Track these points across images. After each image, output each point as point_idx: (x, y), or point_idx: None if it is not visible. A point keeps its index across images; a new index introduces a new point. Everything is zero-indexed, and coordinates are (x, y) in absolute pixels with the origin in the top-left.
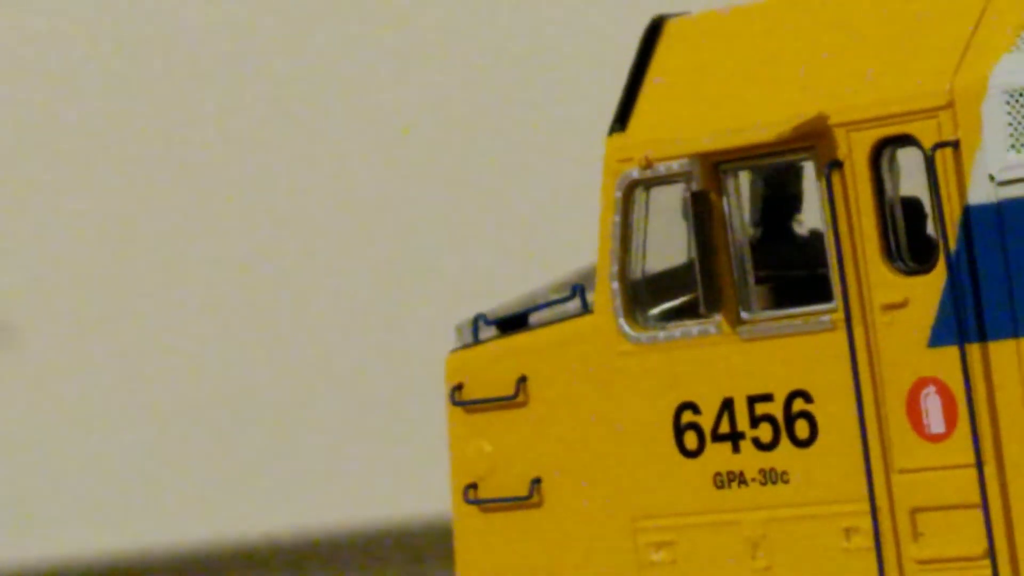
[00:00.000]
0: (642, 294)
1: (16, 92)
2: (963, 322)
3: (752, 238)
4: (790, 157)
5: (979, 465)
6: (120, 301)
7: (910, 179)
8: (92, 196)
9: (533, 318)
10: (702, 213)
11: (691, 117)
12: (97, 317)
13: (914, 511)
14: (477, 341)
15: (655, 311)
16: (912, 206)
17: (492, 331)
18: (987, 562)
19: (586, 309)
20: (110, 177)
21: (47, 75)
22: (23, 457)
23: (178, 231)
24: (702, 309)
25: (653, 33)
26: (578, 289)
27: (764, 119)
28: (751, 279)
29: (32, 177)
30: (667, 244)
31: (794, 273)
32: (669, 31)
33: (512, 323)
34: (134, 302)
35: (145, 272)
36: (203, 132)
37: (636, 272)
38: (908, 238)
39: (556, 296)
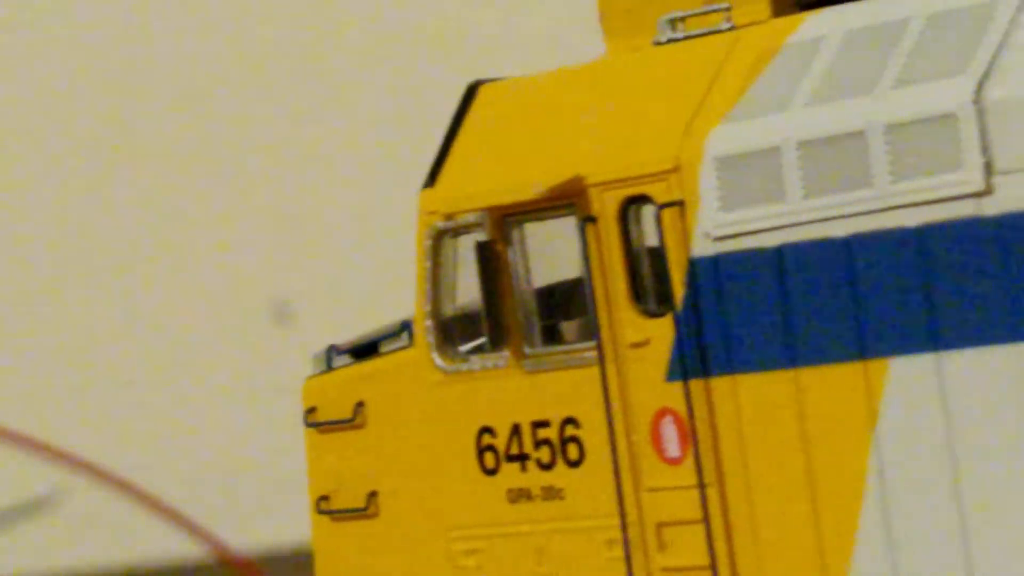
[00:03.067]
0: (452, 330)
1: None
2: (689, 360)
3: (535, 283)
4: (557, 213)
5: (701, 486)
6: None
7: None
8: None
9: (384, 347)
10: (487, 261)
11: (488, 174)
12: None
13: (659, 525)
14: (330, 369)
15: (463, 346)
16: (659, 256)
17: (347, 359)
18: (724, 572)
19: (412, 342)
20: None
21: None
22: None
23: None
24: (487, 345)
25: (468, 97)
26: (407, 324)
27: (540, 178)
28: (534, 319)
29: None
30: (476, 286)
31: (570, 315)
32: (481, 95)
33: (365, 351)
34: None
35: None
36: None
37: (446, 311)
38: (654, 284)
39: (393, 330)
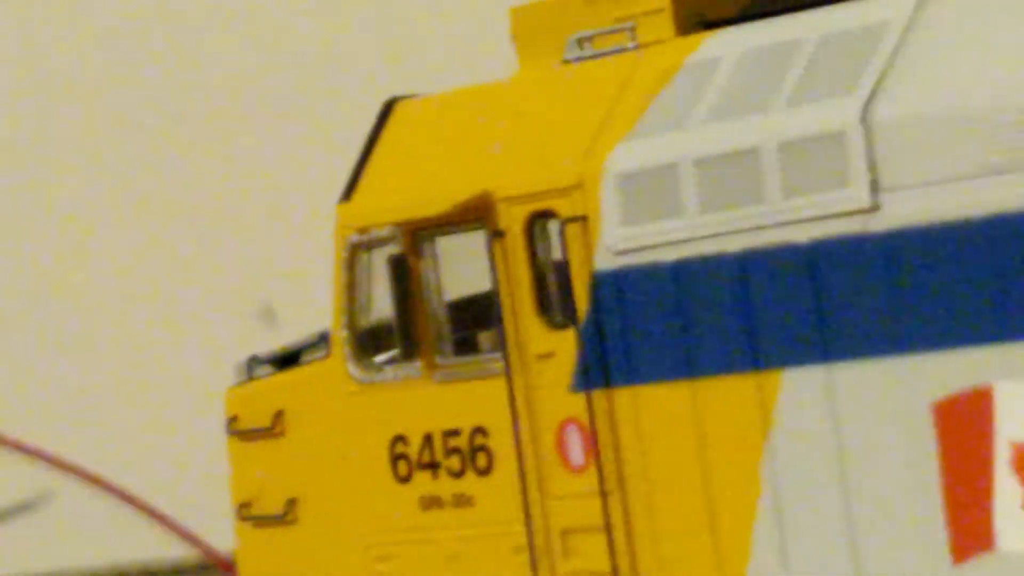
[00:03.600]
0: (367, 341)
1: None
2: (591, 371)
3: (448, 296)
4: (467, 228)
5: (603, 494)
6: None
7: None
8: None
9: (305, 358)
10: (399, 274)
11: (401, 190)
12: None
13: (564, 532)
14: (251, 378)
15: (379, 357)
16: (563, 270)
17: (269, 369)
18: None
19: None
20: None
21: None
22: None
23: None
24: (399, 356)
25: (384, 113)
26: (325, 335)
27: (451, 194)
28: (445, 331)
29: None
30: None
31: (482, 327)
32: (398, 111)
33: (286, 362)
34: None
35: None
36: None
37: (361, 322)
38: (560, 297)
39: (313, 341)
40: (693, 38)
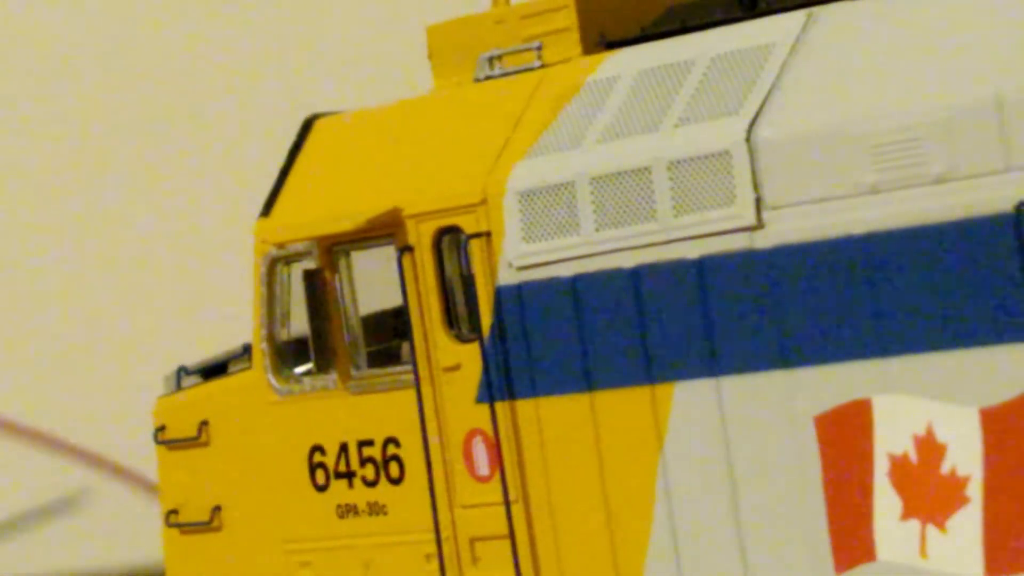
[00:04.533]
0: (287, 353)
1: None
2: (495, 384)
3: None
4: (379, 242)
5: (507, 503)
6: None
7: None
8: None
9: (232, 368)
10: (313, 287)
11: (317, 205)
12: None
13: (472, 540)
14: (179, 388)
15: (298, 368)
16: (469, 284)
17: (197, 379)
18: None
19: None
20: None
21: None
22: None
23: None
24: (313, 368)
25: (304, 131)
26: (248, 347)
27: (364, 209)
28: (359, 343)
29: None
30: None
31: (394, 339)
32: (316, 128)
33: (214, 372)
34: None
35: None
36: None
37: (281, 335)
38: (466, 311)
39: (239, 352)
40: (594, 58)
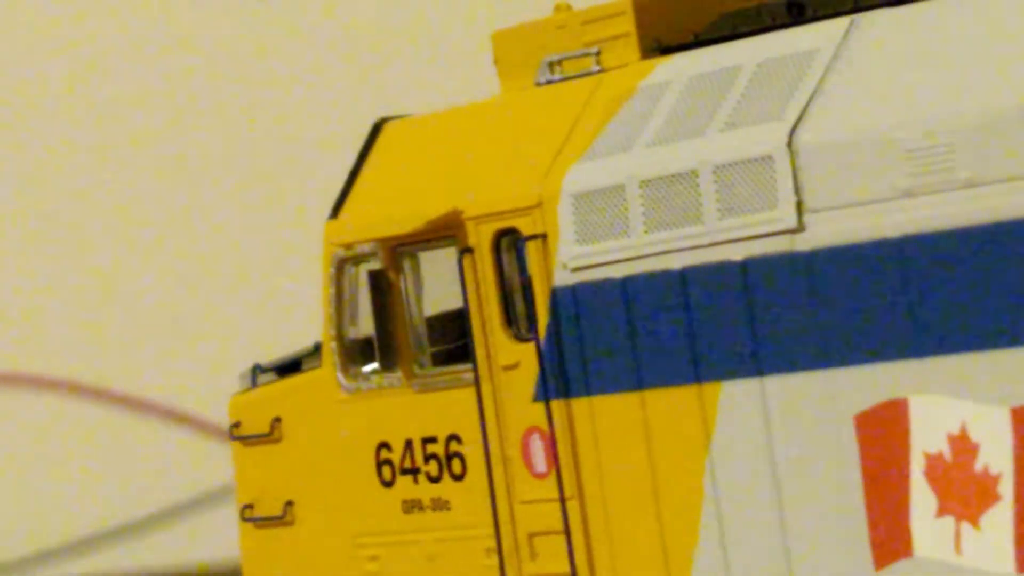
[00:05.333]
0: (355, 352)
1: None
2: (551, 382)
3: (428, 309)
4: (440, 244)
5: (562, 500)
6: None
7: None
8: None
9: (306, 366)
10: (378, 288)
11: (384, 207)
12: None
13: (531, 535)
14: (254, 386)
15: (366, 366)
16: (527, 285)
17: (271, 377)
18: None
19: None
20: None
21: None
22: None
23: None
24: (379, 366)
25: (373, 134)
26: (319, 345)
27: (427, 211)
28: (423, 342)
29: None
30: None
31: (459, 339)
32: (385, 131)
33: (288, 369)
34: None
35: None
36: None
37: (349, 333)
38: (524, 311)
39: (312, 350)
40: (647, 63)
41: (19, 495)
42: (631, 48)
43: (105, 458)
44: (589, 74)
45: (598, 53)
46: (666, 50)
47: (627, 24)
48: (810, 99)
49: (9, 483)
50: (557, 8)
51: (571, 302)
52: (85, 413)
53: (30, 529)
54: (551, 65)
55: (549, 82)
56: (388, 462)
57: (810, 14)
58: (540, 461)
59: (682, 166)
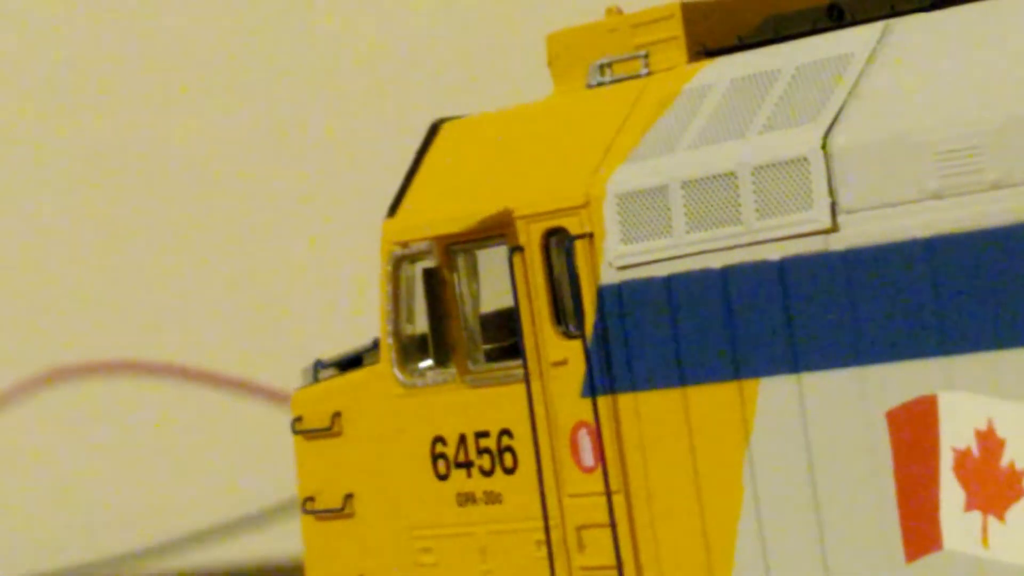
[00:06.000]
0: (411, 348)
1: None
2: (597, 378)
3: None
4: (492, 242)
5: (608, 494)
6: None
7: None
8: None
9: (366, 361)
10: (432, 285)
11: (439, 206)
12: None
13: (579, 528)
14: (316, 381)
15: (422, 362)
16: (575, 283)
17: (333, 372)
18: (629, 570)
19: None
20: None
21: None
22: None
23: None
24: (433, 362)
25: (430, 134)
26: (377, 341)
27: (480, 210)
28: (476, 339)
29: None
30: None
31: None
32: (442, 132)
33: (349, 365)
34: None
35: None
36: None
37: (406, 330)
38: (572, 308)
39: (371, 346)
40: (692, 66)
41: (142, 485)
42: (679, 51)
43: (232, 447)
44: (637, 77)
45: (646, 56)
46: (711, 53)
47: (675, 28)
48: (844, 102)
49: (131, 473)
50: (608, 12)
51: (617, 300)
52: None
53: (153, 519)
54: (601, 68)
55: (599, 84)
56: (443, 456)
57: (849, 18)
58: (588, 455)
59: (722, 167)
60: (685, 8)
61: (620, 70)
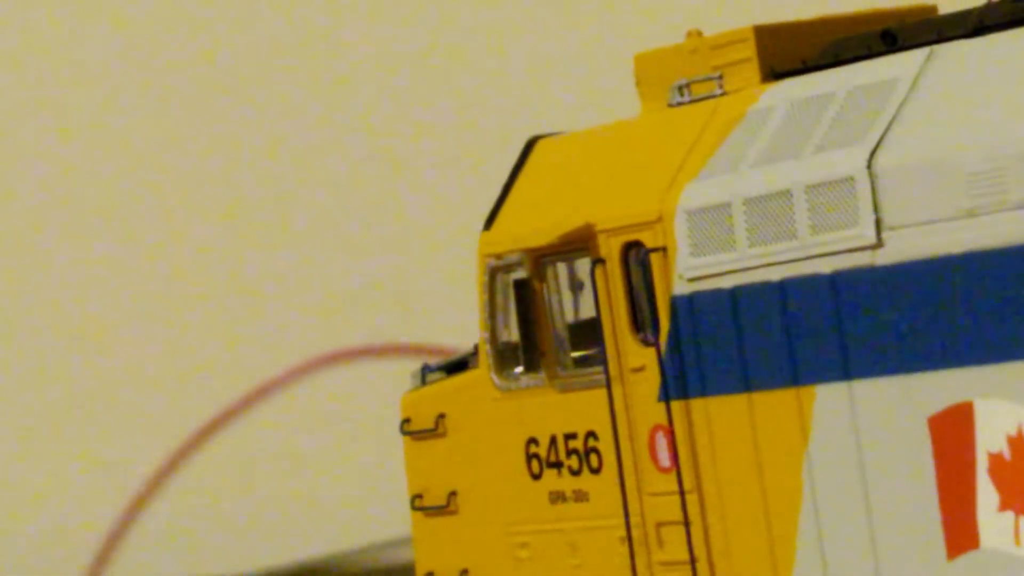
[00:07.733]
0: (507, 354)
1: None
2: (672, 384)
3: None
4: (577, 255)
5: (681, 493)
6: None
7: None
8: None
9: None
10: (522, 296)
11: (531, 219)
12: None
13: (658, 525)
14: (424, 384)
15: (517, 368)
16: (650, 294)
17: (440, 375)
18: (702, 566)
19: None
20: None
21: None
22: None
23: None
24: (523, 368)
25: (526, 150)
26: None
27: (567, 224)
28: (564, 345)
29: None
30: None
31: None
32: (537, 148)
33: (454, 369)
34: None
35: None
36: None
37: (503, 336)
38: (649, 317)
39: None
40: (759, 88)
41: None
42: (752, 72)
43: None
44: (712, 97)
45: (720, 77)
46: (779, 75)
47: (748, 50)
48: (889, 124)
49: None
50: (689, 34)
51: (688, 310)
52: None
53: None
54: (681, 88)
55: (679, 104)
56: (536, 456)
57: (900, 43)
58: (665, 456)
59: (779, 186)
60: (758, 31)
61: (698, 90)
